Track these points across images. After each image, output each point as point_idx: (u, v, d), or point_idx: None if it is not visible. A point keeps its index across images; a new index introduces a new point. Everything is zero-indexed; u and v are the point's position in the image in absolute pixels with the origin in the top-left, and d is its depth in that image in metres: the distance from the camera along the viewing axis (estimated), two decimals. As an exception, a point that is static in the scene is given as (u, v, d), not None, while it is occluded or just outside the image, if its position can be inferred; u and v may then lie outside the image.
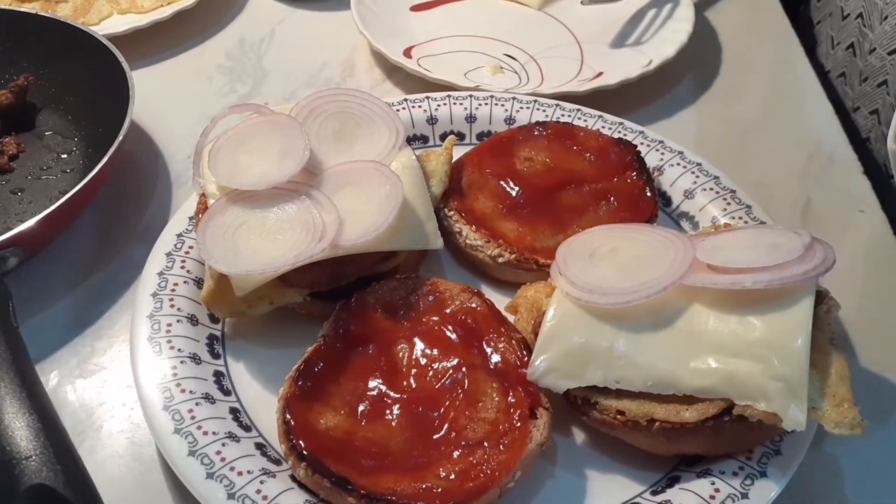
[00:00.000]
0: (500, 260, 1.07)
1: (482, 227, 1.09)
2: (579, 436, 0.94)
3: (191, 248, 1.07)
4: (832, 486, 0.91)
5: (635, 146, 1.18)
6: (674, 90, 1.45)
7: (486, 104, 1.29)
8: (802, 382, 0.82)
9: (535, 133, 1.21)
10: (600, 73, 1.42)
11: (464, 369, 0.92)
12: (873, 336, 1.04)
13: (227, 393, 0.96)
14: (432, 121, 1.28)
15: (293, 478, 0.86)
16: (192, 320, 1.01)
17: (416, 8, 1.60)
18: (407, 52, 1.47)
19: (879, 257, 1.16)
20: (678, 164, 1.19)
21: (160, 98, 1.41)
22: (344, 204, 1.01)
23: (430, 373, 0.93)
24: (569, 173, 1.16)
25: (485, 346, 0.94)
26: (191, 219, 1.09)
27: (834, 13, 1.47)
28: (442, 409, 0.89)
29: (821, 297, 0.90)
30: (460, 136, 1.27)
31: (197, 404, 0.91)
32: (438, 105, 1.29)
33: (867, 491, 0.91)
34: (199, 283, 1.04)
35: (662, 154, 1.21)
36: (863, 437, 0.83)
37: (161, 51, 1.52)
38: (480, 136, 1.28)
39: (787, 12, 1.62)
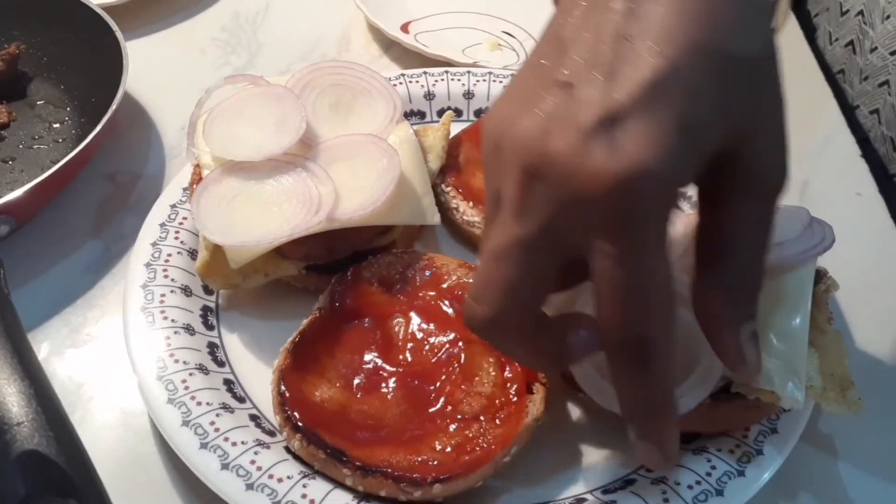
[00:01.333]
0: (497, 236, 1.06)
1: (479, 202, 1.08)
2: (575, 411, 0.94)
3: (185, 218, 1.05)
4: (827, 464, 0.91)
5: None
6: (672, 71, 1.44)
7: (485, 81, 1.28)
8: (801, 361, 0.82)
9: (534, 110, 1.20)
10: (599, 52, 1.41)
11: (460, 344, 0.92)
12: (870, 317, 1.04)
13: (220, 364, 0.95)
14: (430, 96, 1.27)
15: (287, 449, 0.86)
16: (186, 291, 1.00)
17: (414, -17, 1.59)
18: (404, 28, 1.45)
19: (877, 240, 1.15)
20: (677, 143, 1.19)
21: (154, 69, 1.39)
22: (340, 177, 1.01)
23: (426, 347, 0.92)
24: (567, 150, 1.16)
25: (481, 321, 0.94)
26: (184, 190, 1.08)
27: (832, 7, 1.45)
28: (438, 383, 0.89)
29: (819, 277, 0.90)
30: (458, 113, 1.26)
31: (190, 375, 0.90)
32: (436, 81, 1.28)
33: (862, 470, 0.91)
34: (193, 254, 1.02)
35: (661, 133, 1.20)
36: (858, 417, 0.84)
37: (155, 21, 1.50)
38: (478, 113, 1.27)
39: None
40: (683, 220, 0.94)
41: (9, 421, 0.73)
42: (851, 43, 1.39)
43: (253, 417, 0.89)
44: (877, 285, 1.09)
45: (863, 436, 0.92)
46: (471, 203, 1.08)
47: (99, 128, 1.11)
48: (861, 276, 1.06)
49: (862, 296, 1.04)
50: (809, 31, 1.55)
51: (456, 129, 1.18)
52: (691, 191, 1.12)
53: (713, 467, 0.85)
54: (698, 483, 0.83)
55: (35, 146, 1.23)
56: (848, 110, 1.40)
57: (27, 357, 0.79)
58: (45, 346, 1.01)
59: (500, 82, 1.28)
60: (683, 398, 0.81)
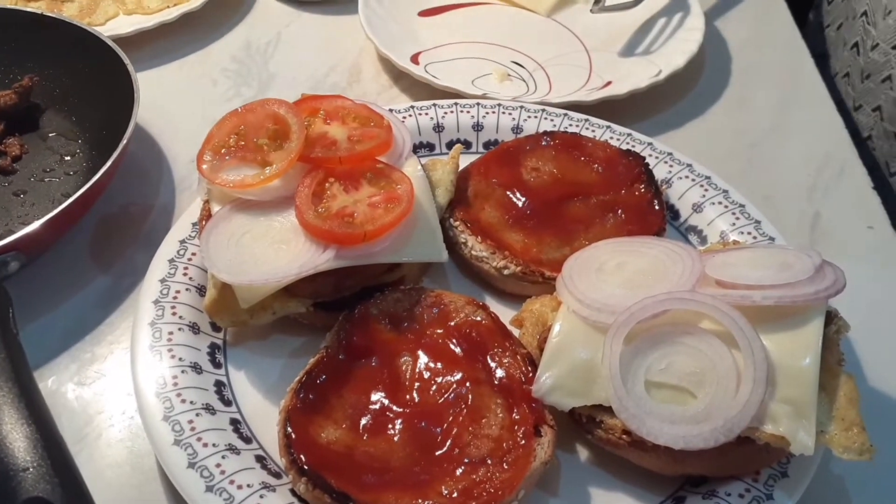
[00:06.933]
0: (506, 272, 1.06)
1: (488, 237, 1.08)
2: (583, 454, 0.93)
3: (193, 254, 1.06)
4: (839, 508, 0.90)
5: (644, 158, 1.17)
6: (683, 100, 1.44)
7: (494, 113, 1.28)
8: (811, 405, 0.81)
9: (543, 143, 1.20)
10: (609, 83, 1.41)
11: (468, 384, 0.91)
12: (884, 358, 1.03)
13: (227, 403, 0.95)
14: (439, 128, 1.27)
15: (293, 492, 0.85)
16: (194, 328, 1.00)
17: (424, 13, 1.59)
18: (414, 58, 1.46)
19: (890, 276, 1.14)
20: (687, 176, 1.18)
21: (165, 100, 1.40)
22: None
23: (434, 387, 0.92)
24: (576, 184, 1.15)
25: (489, 361, 0.93)
26: (194, 225, 1.08)
27: (850, 16, 1.45)
28: (445, 425, 0.88)
29: (830, 318, 0.89)
30: (467, 145, 1.26)
31: (197, 415, 0.90)
32: (445, 113, 1.28)
33: (874, 515, 0.90)
34: (201, 290, 1.03)
35: (671, 166, 1.20)
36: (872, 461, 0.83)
37: (166, 53, 1.51)
38: (487, 145, 1.27)
39: (796, 17, 1.60)
40: (692, 254, 0.94)
41: (14, 467, 0.73)
42: (856, 45, 1.39)
43: (259, 459, 0.89)
44: (890, 325, 1.07)
45: (875, 479, 0.91)
46: (479, 238, 1.08)
47: (110, 161, 1.11)
48: (873, 316, 1.05)
49: (875, 336, 1.03)
50: (819, 51, 1.55)
51: (464, 161, 1.18)
52: (701, 225, 1.12)
53: (723, 512, 0.84)
54: (708, 529, 0.83)
55: (46, 179, 1.24)
56: (846, 114, 1.39)
57: (34, 401, 0.79)
58: (54, 381, 1.01)
59: (510, 114, 1.28)
60: (692, 437, 0.81)
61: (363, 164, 1.03)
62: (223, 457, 0.86)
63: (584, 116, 1.27)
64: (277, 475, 0.88)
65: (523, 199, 1.13)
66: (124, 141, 1.14)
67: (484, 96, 1.33)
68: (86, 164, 1.26)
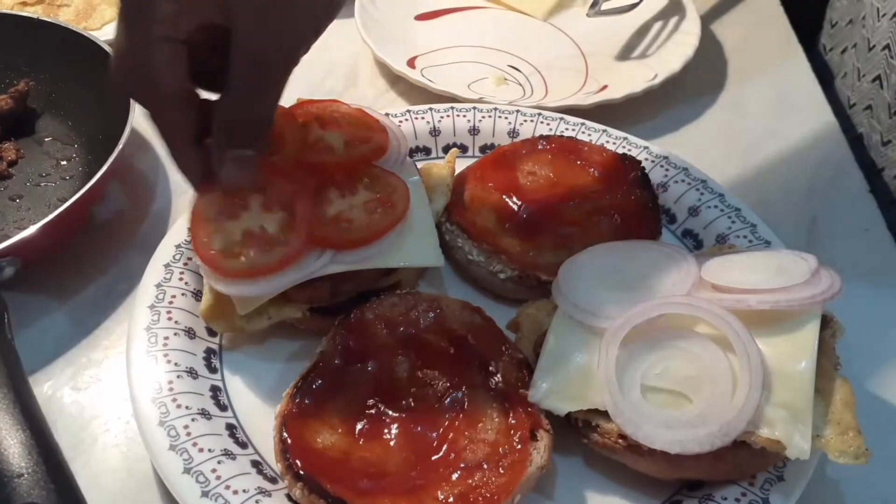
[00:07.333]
0: (502, 276, 1.06)
1: (484, 242, 1.08)
2: (580, 459, 0.93)
3: (189, 259, 1.05)
4: (835, 512, 0.90)
5: (640, 162, 1.17)
6: (679, 104, 1.44)
7: (490, 116, 1.28)
8: (807, 410, 0.81)
9: (539, 147, 1.20)
10: (605, 87, 1.41)
11: (464, 389, 0.91)
12: (879, 361, 1.03)
13: (223, 408, 0.95)
14: (435, 132, 1.27)
15: (289, 497, 0.85)
16: (190, 333, 1.00)
17: (420, 17, 1.59)
18: (411, 62, 1.46)
19: (885, 279, 1.14)
20: (683, 180, 1.18)
21: (161, 105, 1.39)
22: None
23: (430, 392, 0.92)
24: (572, 188, 1.15)
25: (485, 366, 0.93)
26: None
27: (860, 44, 1.44)
28: (441, 430, 0.88)
29: (826, 322, 0.89)
30: (463, 149, 1.27)
31: (193, 420, 0.90)
32: (441, 117, 1.28)
33: (871, 518, 0.90)
34: (197, 295, 1.02)
35: (667, 170, 1.20)
36: (867, 465, 0.82)
37: (163, 56, 1.50)
38: (483, 149, 1.27)
39: (805, 39, 1.60)
40: (688, 258, 0.94)
41: (9, 473, 0.73)
42: (878, 78, 1.37)
43: (255, 464, 0.89)
44: (886, 329, 1.08)
45: (872, 483, 0.91)
46: (475, 242, 1.08)
47: (107, 166, 1.11)
48: (869, 319, 1.05)
49: (871, 340, 1.03)
50: (819, 67, 1.55)
51: (460, 165, 1.18)
52: (697, 228, 1.13)
53: (719, 517, 0.84)
54: (704, 533, 0.83)
55: (42, 184, 1.23)
56: (870, 147, 1.39)
57: (29, 407, 0.79)
58: (49, 387, 1.01)
59: (506, 118, 1.28)
60: (688, 441, 0.81)
61: (359, 168, 1.03)
62: (219, 462, 0.86)
63: (580, 120, 1.27)
64: (273, 480, 0.88)
65: (519, 204, 1.13)
66: (120, 145, 1.14)
67: (480, 100, 1.33)
68: (82, 168, 1.25)
